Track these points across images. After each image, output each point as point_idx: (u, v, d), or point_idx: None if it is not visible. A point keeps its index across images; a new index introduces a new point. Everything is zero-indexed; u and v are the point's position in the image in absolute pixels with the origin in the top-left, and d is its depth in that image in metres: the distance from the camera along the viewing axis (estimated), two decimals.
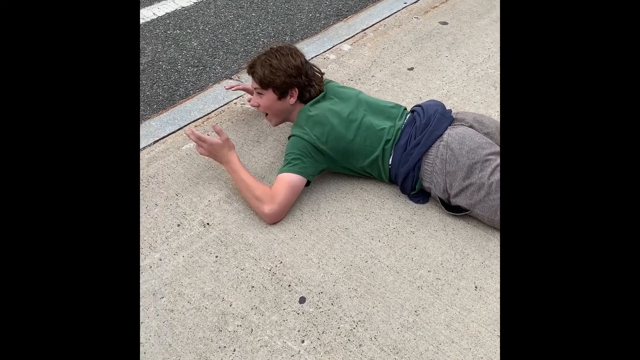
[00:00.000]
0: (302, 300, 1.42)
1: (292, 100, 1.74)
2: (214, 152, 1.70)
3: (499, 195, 1.50)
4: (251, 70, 1.75)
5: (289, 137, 1.73)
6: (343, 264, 1.51)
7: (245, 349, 1.31)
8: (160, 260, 1.53)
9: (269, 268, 1.51)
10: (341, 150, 1.67)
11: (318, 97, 1.75)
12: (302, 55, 1.75)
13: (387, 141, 1.66)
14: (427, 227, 1.62)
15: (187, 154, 1.91)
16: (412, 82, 2.30)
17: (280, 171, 1.64)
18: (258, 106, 1.80)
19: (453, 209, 1.63)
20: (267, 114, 1.82)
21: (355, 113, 1.70)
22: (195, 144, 1.76)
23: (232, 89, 2.01)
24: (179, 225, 1.64)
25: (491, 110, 2.13)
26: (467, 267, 1.50)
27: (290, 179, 1.62)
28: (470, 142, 1.56)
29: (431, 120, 1.65)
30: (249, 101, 2.01)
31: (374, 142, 1.66)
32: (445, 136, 1.60)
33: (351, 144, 1.66)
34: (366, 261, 1.52)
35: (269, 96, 1.74)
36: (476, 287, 1.45)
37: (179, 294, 1.44)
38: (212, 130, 1.89)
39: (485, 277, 1.47)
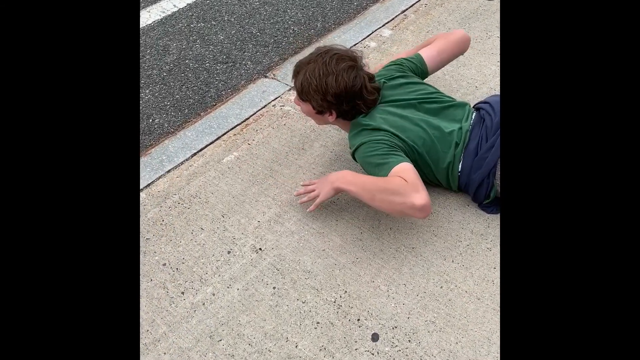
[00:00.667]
0: (375, 337, 1.28)
1: (331, 119, 1.56)
2: (322, 188, 1.50)
3: None
4: (294, 76, 1.56)
5: (354, 151, 1.51)
6: (415, 292, 1.36)
7: None
8: (214, 295, 1.39)
9: (333, 300, 1.36)
10: (409, 155, 1.47)
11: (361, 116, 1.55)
12: (353, 71, 1.47)
13: (457, 145, 1.47)
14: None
15: (228, 168, 1.76)
16: (465, 69, 2.09)
17: (384, 171, 1.38)
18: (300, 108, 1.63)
19: None
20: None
21: (415, 119, 1.50)
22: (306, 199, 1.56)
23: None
24: (229, 252, 1.50)
25: None
26: None
27: (406, 166, 1.37)
28: None
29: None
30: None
31: (444, 147, 1.47)
32: None
33: (420, 149, 1.47)
34: (441, 287, 1.36)
35: (308, 108, 1.56)
36: None
37: (238, 335, 1.31)
38: (259, 139, 1.72)
39: None
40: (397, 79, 1.59)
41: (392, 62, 1.67)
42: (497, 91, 1.97)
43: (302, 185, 1.61)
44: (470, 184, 1.49)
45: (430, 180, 1.54)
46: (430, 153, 1.46)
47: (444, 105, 1.54)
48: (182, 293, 1.40)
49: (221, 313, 1.35)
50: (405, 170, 1.35)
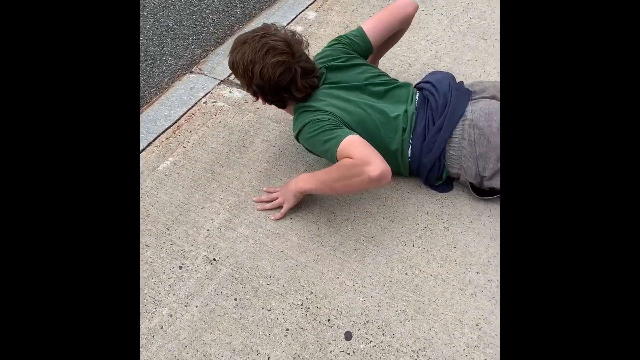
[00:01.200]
0: (349, 335, 1.24)
1: (260, 101, 1.51)
2: (287, 195, 1.47)
3: None
4: (231, 51, 1.46)
5: (298, 134, 1.44)
6: (381, 282, 1.33)
7: None
8: (171, 316, 1.30)
9: (299, 302, 1.31)
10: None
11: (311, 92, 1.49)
12: (282, 67, 1.38)
13: (404, 130, 1.44)
14: (461, 220, 1.45)
15: (165, 175, 1.64)
16: (396, 47, 2.07)
17: (331, 148, 1.32)
18: None
19: (485, 193, 1.46)
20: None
21: (359, 103, 1.46)
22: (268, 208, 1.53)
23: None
24: (180, 267, 1.40)
25: (488, 67, 1.95)
26: None
27: (353, 138, 1.31)
28: (499, 117, 1.37)
29: (448, 99, 1.44)
30: None
31: (389, 132, 1.44)
32: (468, 114, 1.40)
33: (364, 133, 1.40)
34: (406, 273, 1.35)
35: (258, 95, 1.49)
36: None
37: (204, 355, 1.22)
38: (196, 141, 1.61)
39: None
40: (341, 60, 1.53)
41: (336, 39, 1.60)
42: (431, 67, 1.96)
43: (265, 192, 1.55)
44: (421, 168, 1.47)
45: None
46: (374, 138, 1.42)
47: (388, 88, 1.51)
48: None
49: (182, 334, 1.26)
50: (352, 143, 1.29)
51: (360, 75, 1.51)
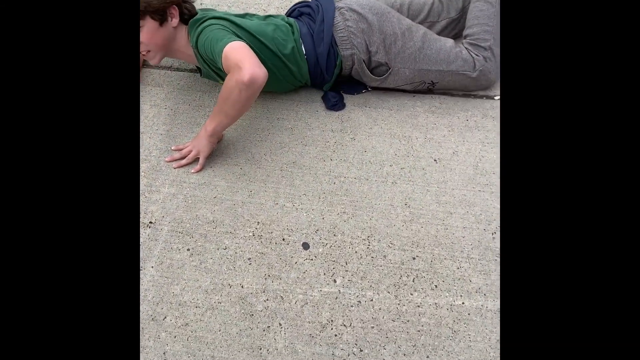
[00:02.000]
0: (306, 246, 1.36)
1: (175, 21, 1.53)
2: (199, 145, 1.52)
3: (414, 41, 1.60)
4: None
5: (197, 41, 1.48)
6: (316, 196, 1.46)
7: (289, 316, 1.23)
8: None
9: (251, 234, 1.38)
10: (255, 43, 1.52)
11: (197, 17, 1.55)
12: None
13: (293, 32, 1.60)
14: (362, 129, 1.64)
15: None
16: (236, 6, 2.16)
17: (219, 49, 1.37)
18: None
19: (377, 73, 1.66)
20: (148, 52, 1.53)
21: (249, 19, 1.59)
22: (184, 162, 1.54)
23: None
24: None
25: None
26: (416, 146, 1.58)
27: (237, 44, 1.37)
28: (371, 4, 1.62)
29: (318, 5, 1.66)
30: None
31: (282, 35, 1.58)
32: (340, 4, 1.64)
33: (261, 37, 1.53)
34: (334, 183, 1.50)
35: (149, 26, 1.48)
36: (435, 160, 1.55)
37: (179, 304, 1.25)
38: None
39: (436, 148, 1.58)
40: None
41: None
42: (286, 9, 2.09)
43: (174, 150, 1.54)
44: (319, 60, 1.61)
45: (283, 76, 1.61)
46: (271, 42, 1.54)
47: (265, 15, 1.64)
48: None
49: (150, 295, 1.26)
50: (234, 49, 1.36)
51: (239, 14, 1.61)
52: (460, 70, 1.63)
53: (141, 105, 1.71)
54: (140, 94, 1.75)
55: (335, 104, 1.68)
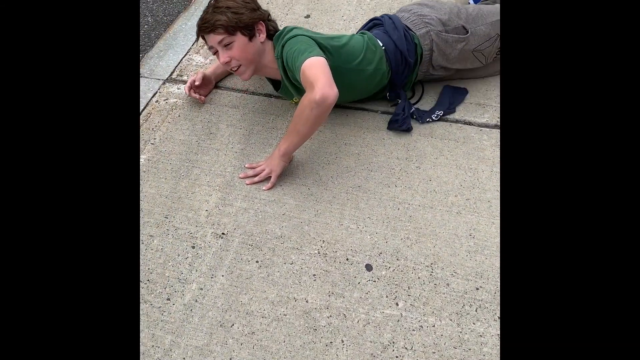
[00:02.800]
0: (369, 267, 1.39)
1: (262, 36, 1.62)
2: (272, 164, 1.60)
3: (471, 6, 1.80)
4: (209, 25, 1.55)
5: (282, 50, 1.57)
6: (380, 220, 1.50)
7: (352, 334, 1.26)
8: (202, 289, 1.35)
9: (316, 251, 1.43)
10: (336, 49, 1.63)
11: (281, 31, 1.66)
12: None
13: (364, 34, 1.76)
14: (428, 158, 1.68)
15: (144, 171, 1.66)
16: (318, 29, 2.26)
17: (299, 63, 1.45)
18: (229, 61, 1.60)
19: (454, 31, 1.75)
20: (239, 67, 1.62)
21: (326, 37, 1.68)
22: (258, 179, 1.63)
23: (193, 88, 1.86)
24: (193, 247, 1.45)
25: None
26: (482, 179, 1.60)
27: (316, 60, 1.44)
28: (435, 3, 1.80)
29: (384, 16, 1.82)
30: (190, 89, 1.82)
31: (357, 42, 1.70)
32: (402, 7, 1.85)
33: (345, 45, 1.66)
34: (398, 209, 1.53)
35: (240, 41, 1.58)
36: None
37: (247, 313, 1.30)
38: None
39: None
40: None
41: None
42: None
43: (248, 168, 1.63)
44: (398, 45, 1.70)
45: (364, 61, 1.68)
46: (351, 50, 1.67)
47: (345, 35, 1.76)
48: (168, 299, 1.33)
49: (219, 302, 1.33)
50: (312, 65, 1.44)
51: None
52: None
53: (218, 125, 1.82)
54: (218, 114, 1.86)
55: (402, 121, 1.72)
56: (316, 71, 1.42)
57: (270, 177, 1.59)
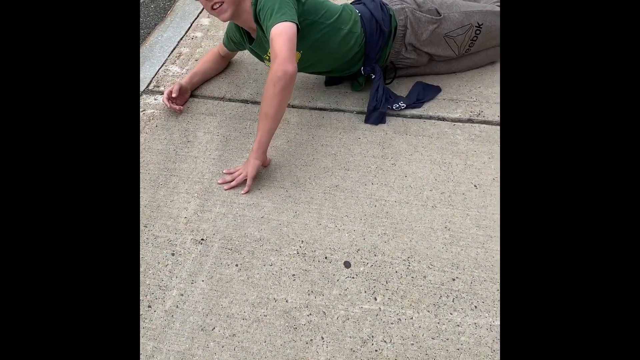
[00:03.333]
0: (347, 264, 1.41)
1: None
2: (247, 168, 1.62)
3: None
4: None
5: (256, 2, 1.58)
6: (358, 217, 1.52)
7: (331, 331, 1.27)
8: (182, 295, 1.36)
9: (295, 252, 1.45)
10: (313, 5, 1.68)
11: None
12: None
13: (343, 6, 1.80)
14: (403, 155, 1.70)
15: None
16: None
17: (270, 24, 1.50)
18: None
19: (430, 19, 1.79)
20: (222, 4, 1.60)
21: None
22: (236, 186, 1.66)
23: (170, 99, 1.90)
24: (173, 254, 1.46)
25: None
26: (456, 172, 1.63)
27: (285, 28, 1.49)
28: None
29: None
30: (168, 99, 1.84)
31: (333, 6, 1.75)
32: None
33: (323, 2, 1.72)
34: (375, 206, 1.55)
35: None
36: (475, 185, 1.59)
37: (228, 316, 1.32)
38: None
39: (476, 175, 1.62)
40: None
41: None
42: None
43: (225, 173, 1.65)
44: (374, 13, 1.76)
45: (337, 22, 1.72)
46: (322, 10, 1.70)
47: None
48: (149, 307, 1.34)
49: (200, 307, 1.34)
50: (281, 33, 1.48)
51: None
52: (496, 8, 1.84)
53: (195, 133, 1.84)
54: (195, 122, 1.88)
55: (375, 116, 1.79)
56: (282, 41, 1.48)
57: (246, 180, 1.61)
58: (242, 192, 1.61)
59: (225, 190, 1.62)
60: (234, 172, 1.64)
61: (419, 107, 1.84)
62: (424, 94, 1.86)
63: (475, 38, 1.84)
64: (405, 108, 1.82)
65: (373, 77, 1.81)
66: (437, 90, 1.89)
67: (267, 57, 1.75)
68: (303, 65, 1.78)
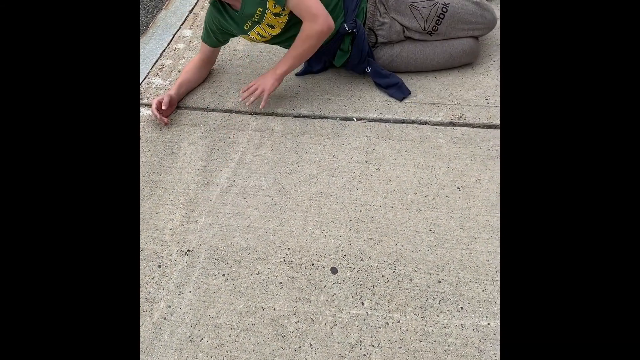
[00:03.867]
0: (334, 270, 1.42)
1: None
2: (264, 83, 1.78)
3: None
4: None
5: None
6: (343, 223, 1.53)
7: (319, 337, 1.28)
8: (170, 307, 1.36)
9: (282, 260, 1.45)
10: None
11: None
12: None
13: None
14: (386, 160, 1.71)
15: None
16: None
17: None
18: None
19: None
20: None
21: None
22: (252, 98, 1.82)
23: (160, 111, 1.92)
24: (159, 266, 1.46)
25: None
26: (439, 175, 1.64)
27: None
28: None
29: None
30: (157, 110, 1.84)
31: None
32: None
33: None
34: (360, 211, 1.57)
35: None
36: (458, 187, 1.60)
37: (216, 326, 1.32)
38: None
39: (458, 177, 1.63)
40: None
41: None
42: None
43: (243, 91, 1.82)
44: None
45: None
46: None
47: None
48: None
49: (187, 318, 1.34)
50: None
51: None
52: None
53: (179, 144, 1.84)
54: (179, 134, 1.88)
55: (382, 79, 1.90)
56: (313, 2, 1.66)
57: (263, 95, 1.78)
58: (261, 106, 1.78)
59: (247, 105, 1.87)
60: (250, 87, 1.79)
61: (382, 89, 1.93)
62: (394, 90, 1.90)
63: (442, 16, 1.83)
64: (373, 77, 1.93)
65: (356, 32, 1.84)
66: (407, 92, 1.89)
67: (256, 18, 1.75)
68: (290, 32, 1.82)
